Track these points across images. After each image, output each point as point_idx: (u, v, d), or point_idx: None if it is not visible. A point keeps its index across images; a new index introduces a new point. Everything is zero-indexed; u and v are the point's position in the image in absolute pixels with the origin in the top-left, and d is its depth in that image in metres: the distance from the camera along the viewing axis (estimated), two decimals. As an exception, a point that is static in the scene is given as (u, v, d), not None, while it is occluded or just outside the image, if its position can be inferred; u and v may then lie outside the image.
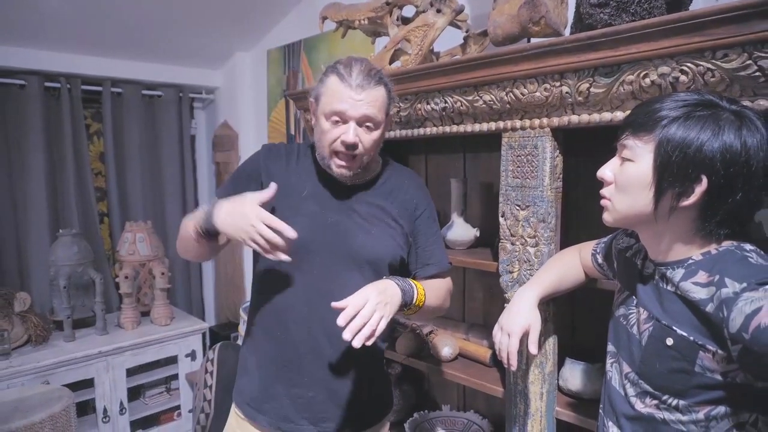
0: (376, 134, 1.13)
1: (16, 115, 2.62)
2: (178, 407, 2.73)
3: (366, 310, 0.97)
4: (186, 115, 3.22)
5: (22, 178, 2.66)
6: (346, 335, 0.96)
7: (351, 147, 1.10)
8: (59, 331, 2.45)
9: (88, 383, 2.37)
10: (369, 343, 0.97)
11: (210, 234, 1.10)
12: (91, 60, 2.75)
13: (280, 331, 1.20)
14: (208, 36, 2.82)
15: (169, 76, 3.07)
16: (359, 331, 0.96)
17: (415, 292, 1.12)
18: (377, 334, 0.98)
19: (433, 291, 1.20)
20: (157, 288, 2.69)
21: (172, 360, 2.69)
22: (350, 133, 1.08)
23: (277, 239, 1.01)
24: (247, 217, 1.01)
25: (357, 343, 0.96)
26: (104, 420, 2.41)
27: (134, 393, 2.64)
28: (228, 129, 3.14)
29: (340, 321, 0.96)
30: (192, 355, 2.71)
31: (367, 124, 1.11)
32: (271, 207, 1.13)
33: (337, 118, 1.09)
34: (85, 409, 2.47)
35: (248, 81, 3.08)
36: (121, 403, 2.47)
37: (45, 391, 2.03)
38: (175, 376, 2.73)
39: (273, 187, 1.08)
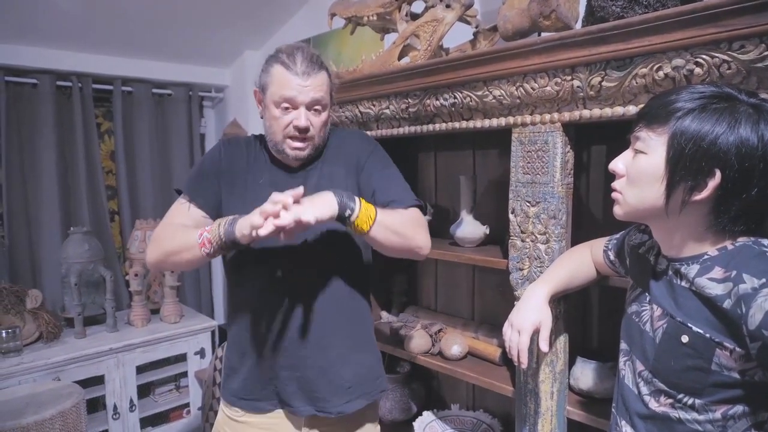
0: (324, 116, 1.20)
1: (28, 113, 2.64)
2: (187, 405, 2.74)
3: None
4: (195, 114, 3.23)
5: (34, 176, 2.68)
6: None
7: (304, 130, 1.15)
8: (70, 328, 2.46)
9: (98, 380, 2.38)
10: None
11: (230, 247, 1.10)
12: (101, 59, 2.77)
13: (257, 316, 1.22)
14: (218, 35, 2.83)
15: (179, 75, 3.08)
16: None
17: (357, 205, 1.05)
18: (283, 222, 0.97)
19: (389, 213, 1.12)
20: (166, 286, 2.70)
21: (182, 357, 2.69)
22: (302, 118, 1.14)
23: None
24: (253, 215, 1.03)
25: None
26: (114, 417, 2.42)
27: (144, 390, 2.64)
28: (237, 127, 3.14)
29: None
30: (201, 353, 2.72)
31: (316, 107, 1.17)
32: (232, 196, 1.23)
33: (287, 105, 1.15)
34: (96, 405, 2.48)
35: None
36: (131, 400, 2.48)
37: (56, 387, 2.04)
38: (185, 374, 2.73)
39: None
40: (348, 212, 1.04)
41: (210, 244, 1.08)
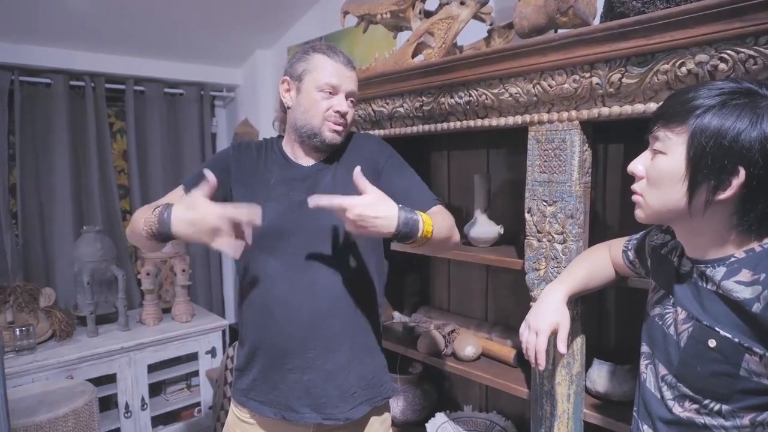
0: (352, 110, 1.25)
1: (42, 113, 2.67)
2: (198, 404, 2.75)
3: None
4: (207, 113, 3.24)
5: (48, 176, 2.70)
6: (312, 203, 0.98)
7: (344, 115, 1.21)
8: (83, 326, 2.48)
9: (110, 378, 2.39)
10: (322, 202, 0.98)
11: (163, 238, 1.04)
12: (114, 59, 2.79)
13: (266, 318, 1.21)
14: (229, 34, 2.83)
15: (191, 75, 3.09)
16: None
17: (421, 222, 1.03)
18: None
19: (438, 221, 1.11)
20: (178, 285, 2.71)
21: (193, 356, 2.70)
22: (344, 103, 1.21)
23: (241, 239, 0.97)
24: (207, 221, 0.97)
25: (311, 203, 0.98)
26: (126, 415, 2.43)
27: (155, 389, 2.66)
28: (248, 126, 3.14)
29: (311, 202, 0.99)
30: (212, 352, 2.72)
31: (351, 99, 1.23)
32: (240, 197, 1.21)
33: (331, 90, 1.20)
34: (108, 404, 2.49)
35: (269, 79, 3.08)
36: (143, 399, 2.48)
37: (69, 385, 2.05)
38: (196, 373, 2.74)
39: (211, 175, 1.04)
40: (409, 235, 1.01)
41: (148, 233, 1.02)
